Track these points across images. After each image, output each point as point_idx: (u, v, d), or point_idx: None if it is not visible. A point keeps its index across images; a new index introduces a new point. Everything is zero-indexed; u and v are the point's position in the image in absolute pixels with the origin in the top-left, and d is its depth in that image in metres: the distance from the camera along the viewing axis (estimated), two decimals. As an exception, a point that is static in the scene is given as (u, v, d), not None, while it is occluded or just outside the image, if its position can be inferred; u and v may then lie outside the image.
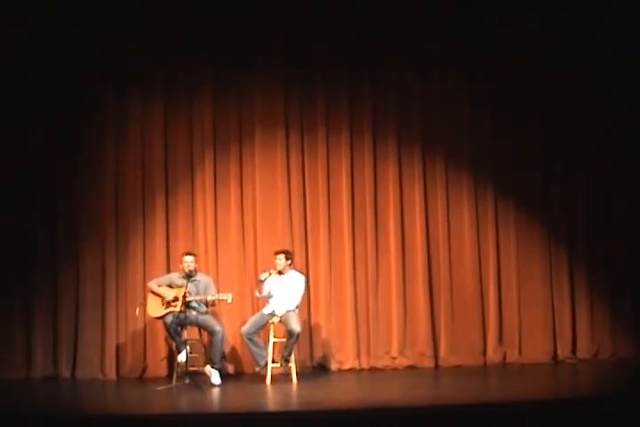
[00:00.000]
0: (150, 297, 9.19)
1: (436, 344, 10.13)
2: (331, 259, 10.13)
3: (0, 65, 9.81)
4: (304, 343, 9.83)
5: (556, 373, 9.80)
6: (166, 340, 9.57)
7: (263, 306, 9.26)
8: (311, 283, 9.98)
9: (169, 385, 8.85)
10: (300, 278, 9.25)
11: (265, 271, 9.21)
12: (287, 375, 9.07)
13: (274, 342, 9.04)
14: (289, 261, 9.23)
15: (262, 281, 9.15)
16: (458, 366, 10.02)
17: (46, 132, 9.92)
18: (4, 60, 9.82)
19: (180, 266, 9.28)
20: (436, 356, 10.10)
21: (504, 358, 10.16)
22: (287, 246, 9.68)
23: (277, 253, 9.24)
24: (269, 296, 9.17)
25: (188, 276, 9.12)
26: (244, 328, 9.04)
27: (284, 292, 9.11)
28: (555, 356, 10.18)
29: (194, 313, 9.05)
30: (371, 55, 10.27)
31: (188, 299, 8.98)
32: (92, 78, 9.98)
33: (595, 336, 10.23)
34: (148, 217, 10.02)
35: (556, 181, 10.37)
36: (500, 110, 10.36)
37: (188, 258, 9.25)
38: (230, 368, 9.74)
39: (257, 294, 9.33)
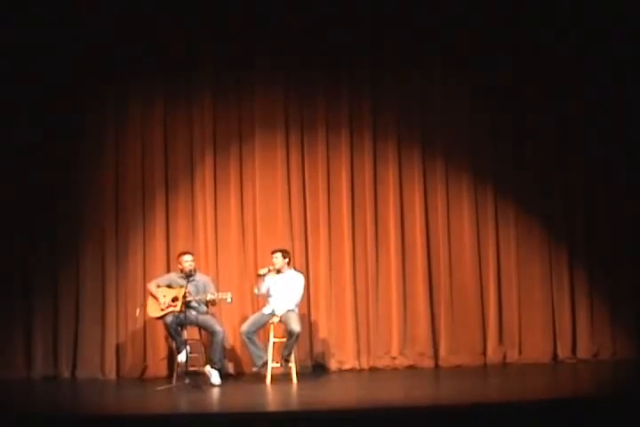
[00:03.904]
0: (150, 297, 9.19)
1: (436, 344, 10.13)
2: (331, 259, 10.13)
3: (0, 65, 9.81)
4: (304, 343, 9.82)
5: (556, 373, 9.80)
6: (166, 340, 9.57)
7: (263, 305, 9.26)
8: (311, 283, 9.99)
9: (169, 385, 8.85)
10: (299, 277, 9.25)
11: (264, 267, 9.21)
12: (287, 375, 9.07)
13: (274, 342, 9.04)
14: (286, 260, 9.22)
15: (261, 276, 9.14)
16: (458, 366, 10.02)
17: (46, 132, 9.92)
18: (4, 59, 9.82)
19: (179, 266, 9.27)
20: (436, 356, 10.10)
21: (504, 358, 10.16)
22: (285, 246, 9.66)
23: (274, 251, 9.24)
24: (268, 295, 9.17)
25: (188, 276, 9.12)
26: (244, 327, 9.03)
27: (283, 291, 9.11)
28: (555, 356, 10.18)
29: (194, 313, 9.05)
30: (371, 55, 10.28)
31: (187, 299, 8.97)
32: (92, 78, 9.98)
33: (595, 336, 10.23)
34: (148, 217, 10.03)
35: (555, 181, 10.38)
36: (500, 110, 10.36)
37: (188, 257, 9.25)
38: (230, 368, 9.74)
39: (255, 290, 9.32)
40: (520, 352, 10.19)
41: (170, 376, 9.22)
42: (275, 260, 9.18)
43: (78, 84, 9.96)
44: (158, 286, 9.20)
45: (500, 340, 10.20)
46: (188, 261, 9.21)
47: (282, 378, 9.08)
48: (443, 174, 10.33)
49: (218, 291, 9.19)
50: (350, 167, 10.23)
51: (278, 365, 9.02)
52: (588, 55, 10.35)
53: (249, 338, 8.98)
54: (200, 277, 9.31)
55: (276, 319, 9.03)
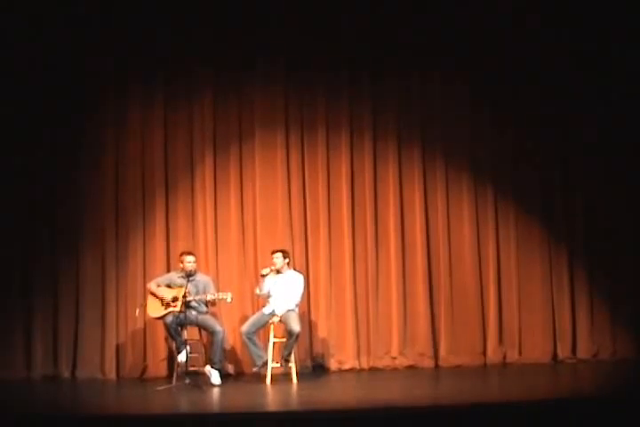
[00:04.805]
0: (150, 297, 9.19)
1: (436, 344, 10.14)
2: (331, 259, 10.13)
3: (0, 65, 9.81)
4: (304, 343, 9.82)
5: (556, 373, 9.80)
6: (166, 340, 9.57)
7: (263, 306, 9.27)
8: (311, 283, 9.99)
9: (169, 385, 8.85)
10: (299, 278, 9.26)
11: (266, 267, 9.21)
12: (287, 375, 9.08)
13: (274, 342, 9.04)
14: (287, 260, 9.24)
15: (263, 276, 9.15)
16: (458, 366, 10.02)
17: (46, 132, 9.93)
18: (5, 59, 9.82)
19: (180, 266, 9.27)
20: (436, 356, 10.10)
21: (504, 358, 10.16)
22: (285, 246, 9.67)
23: (274, 251, 9.26)
24: (268, 295, 9.17)
25: (188, 275, 9.12)
26: (244, 328, 9.04)
27: (283, 291, 9.11)
28: (555, 356, 10.19)
29: (194, 313, 9.04)
30: (371, 55, 10.28)
31: (187, 299, 8.97)
32: (92, 78, 9.98)
33: (595, 336, 10.23)
34: (147, 217, 10.03)
35: (555, 181, 10.38)
36: (500, 110, 10.36)
37: (191, 258, 9.25)
38: (230, 368, 9.74)
39: (257, 291, 9.32)
40: (520, 352, 10.19)
41: (170, 376, 9.22)
42: (275, 260, 9.19)
43: (78, 84, 9.96)
44: (158, 286, 9.20)
45: (500, 340, 10.20)
46: (190, 263, 9.21)
47: (282, 378, 9.09)
48: (443, 174, 10.33)
49: (218, 291, 9.19)
50: (350, 167, 10.23)
51: (278, 365, 9.02)
52: (589, 55, 10.34)
53: (249, 338, 8.98)
54: (201, 278, 9.31)
55: (276, 319, 9.03)
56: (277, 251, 9.26)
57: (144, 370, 9.80)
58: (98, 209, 9.96)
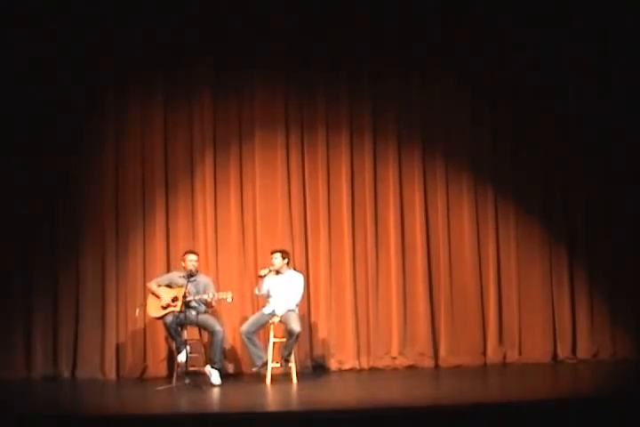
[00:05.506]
0: (150, 297, 9.19)
1: (436, 344, 10.14)
2: (331, 259, 10.13)
3: (0, 65, 9.81)
4: (304, 343, 9.83)
5: (556, 373, 9.80)
6: (166, 340, 9.57)
7: (263, 306, 9.27)
8: (311, 283, 9.99)
9: (169, 385, 8.85)
10: (299, 278, 9.25)
11: (265, 268, 9.21)
12: (287, 375, 9.07)
13: (274, 342, 9.04)
14: (286, 260, 9.23)
15: (262, 277, 9.16)
16: (458, 366, 10.02)
17: (46, 132, 9.93)
18: (4, 59, 9.82)
19: (183, 264, 9.27)
20: (436, 356, 10.11)
21: (504, 358, 10.16)
22: (285, 246, 9.67)
23: (273, 252, 9.26)
24: (268, 296, 9.17)
25: (189, 275, 9.12)
26: (244, 327, 9.04)
27: (283, 291, 9.11)
28: (555, 356, 10.19)
29: (194, 313, 9.04)
30: (371, 55, 10.28)
31: (187, 299, 8.97)
32: (92, 78, 9.98)
33: (595, 336, 10.23)
34: (148, 217, 10.03)
35: (555, 181, 10.38)
36: (500, 111, 10.36)
37: (193, 257, 9.26)
38: (230, 368, 9.74)
39: (256, 291, 9.33)
40: (520, 352, 10.19)
41: (170, 376, 9.22)
42: (274, 260, 9.19)
43: (78, 84, 9.96)
44: (158, 286, 9.20)
45: (500, 340, 10.20)
46: (192, 261, 9.23)
47: (282, 378, 9.09)
48: (443, 174, 10.33)
49: (218, 291, 9.18)
50: (350, 167, 10.24)
51: (278, 365, 9.02)
52: (588, 55, 10.34)
53: (249, 338, 8.98)
54: (201, 278, 9.32)
55: (276, 319, 9.03)
56: (276, 251, 9.26)
57: (144, 370, 9.80)
58: (98, 209, 9.96)
